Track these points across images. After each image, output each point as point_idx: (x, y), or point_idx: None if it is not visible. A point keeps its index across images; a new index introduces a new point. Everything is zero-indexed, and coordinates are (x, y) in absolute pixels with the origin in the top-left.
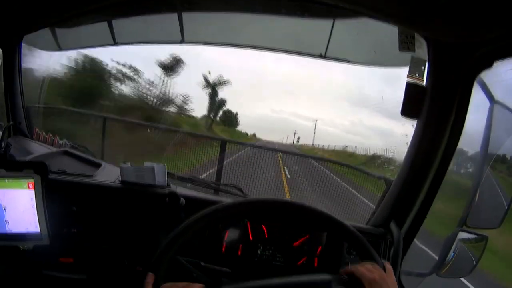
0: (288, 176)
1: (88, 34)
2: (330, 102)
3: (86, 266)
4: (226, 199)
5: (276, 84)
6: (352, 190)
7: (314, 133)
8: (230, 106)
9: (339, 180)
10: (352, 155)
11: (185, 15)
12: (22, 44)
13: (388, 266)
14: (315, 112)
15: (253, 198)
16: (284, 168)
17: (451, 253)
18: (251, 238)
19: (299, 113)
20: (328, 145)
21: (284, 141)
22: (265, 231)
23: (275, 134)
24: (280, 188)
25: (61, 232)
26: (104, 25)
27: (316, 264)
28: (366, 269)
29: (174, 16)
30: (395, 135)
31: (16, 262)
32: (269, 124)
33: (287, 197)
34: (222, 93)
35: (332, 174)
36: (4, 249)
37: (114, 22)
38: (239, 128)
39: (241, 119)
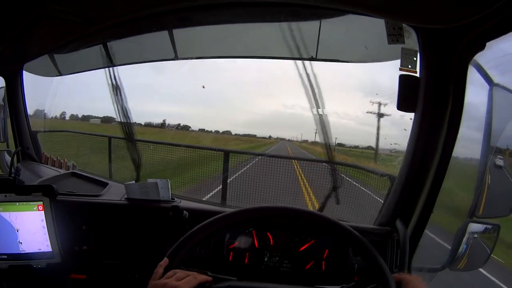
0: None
1: (85, 57)
2: (343, 94)
3: (99, 282)
4: (230, 209)
5: (285, 80)
6: (363, 189)
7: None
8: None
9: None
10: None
11: (176, 32)
12: (23, 71)
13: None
14: (329, 105)
15: (261, 206)
16: (301, 174)
17: (463, 246)
18: (257, 245)
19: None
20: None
21: (299, 138)
22: (271, 238)
23: (288, 131)
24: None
25: (72, 250)
26: (100, 47)
27: (323, 267)
28: None
29: (166, 33)
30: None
31: (29, 280)
32: (282, 120)
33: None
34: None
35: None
36: (18, 268)
37: (109, 44)
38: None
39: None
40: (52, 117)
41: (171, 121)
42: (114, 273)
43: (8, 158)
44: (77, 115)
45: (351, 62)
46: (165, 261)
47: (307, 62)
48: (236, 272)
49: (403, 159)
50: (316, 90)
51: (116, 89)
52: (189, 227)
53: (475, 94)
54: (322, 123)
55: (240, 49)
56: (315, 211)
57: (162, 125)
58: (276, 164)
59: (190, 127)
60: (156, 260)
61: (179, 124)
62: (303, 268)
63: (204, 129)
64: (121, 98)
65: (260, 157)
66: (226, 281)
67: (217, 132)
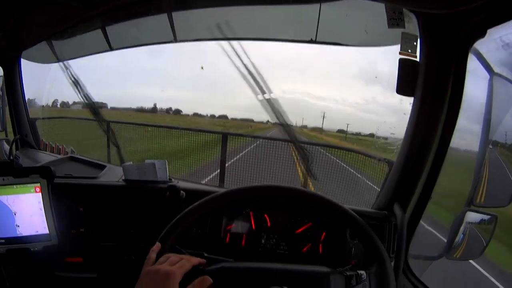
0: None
1: (84, 42)
2: (342, 80)
3: (96, 265)
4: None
5: (284, 64)
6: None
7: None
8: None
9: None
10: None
11: (175, 14)
12: (21, 59)
13: None
14: (328, 91)
15: (255, 185)
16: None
17: (460, 235)
18: (254, 227)
19: (311, 92)
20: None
21: (299, 124)
22: (268, 220)
23: (287, 116)
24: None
25: (69, 233)
26: (98, 32)
27: (320, 250)
28: None
29: (165, 16)
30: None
31: (27, 263)
32: (280, 105)
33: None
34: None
35: (338, 161)
36: (16, 252)
37: (107, 28)
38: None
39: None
40: (47, 104)
41: (164, 105)
42: (110, 255)
43: (6, 146)
44: (68, 102)
45: (351, 45)
46: (157, 245)
47: (306, 46)
48: (233, 254)
49: (401, 143)
50: (314, 75)
51: None
52: (185, 207)
53: (475, 82)
54: None
55: (239, 31)
56: (312, 191)
57: (155, 109)
58: (273, 148)
59: (181, 111)
60: (152, 241)
61: (170, 108)
62: (300, 251)
63: (198, 113)
64: None
65: (256, 144)
66: (219, 263)
67: (212, 116)
